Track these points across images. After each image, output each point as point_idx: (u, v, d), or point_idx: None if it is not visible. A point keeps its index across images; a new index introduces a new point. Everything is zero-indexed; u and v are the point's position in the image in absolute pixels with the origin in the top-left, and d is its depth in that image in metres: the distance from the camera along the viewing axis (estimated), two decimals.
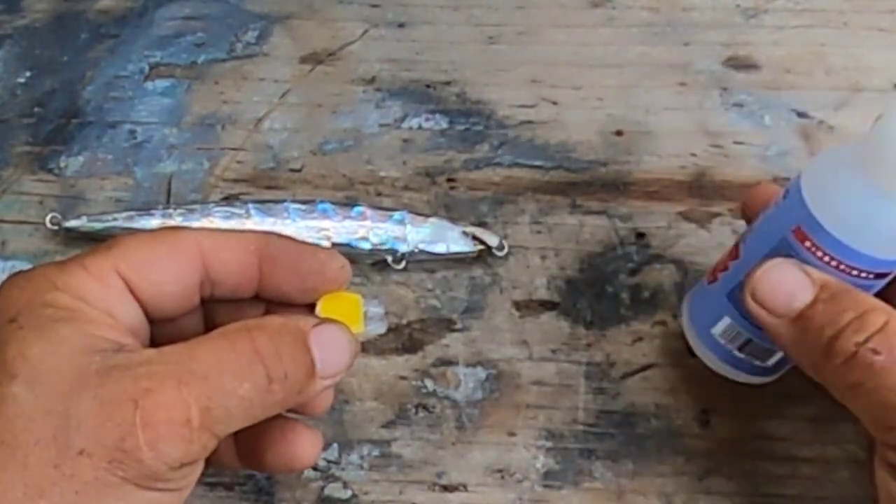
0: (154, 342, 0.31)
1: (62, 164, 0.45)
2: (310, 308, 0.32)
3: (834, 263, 0.32)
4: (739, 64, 0.48)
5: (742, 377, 0.36)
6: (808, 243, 0.32)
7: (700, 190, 0.44)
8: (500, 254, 0.41)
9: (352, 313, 0.32)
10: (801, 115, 0.46)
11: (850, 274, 0.32)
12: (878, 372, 0.28)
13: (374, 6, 0.50)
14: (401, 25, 0.49)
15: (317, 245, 0.33)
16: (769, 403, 0.38)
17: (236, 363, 0.28)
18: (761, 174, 0.44)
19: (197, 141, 0.46)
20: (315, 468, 0.38)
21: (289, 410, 0.32)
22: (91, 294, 0.29)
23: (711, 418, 0.38)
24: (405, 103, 0.47)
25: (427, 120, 0.46)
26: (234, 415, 0.28)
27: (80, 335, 0.28)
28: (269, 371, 0.28)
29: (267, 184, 0.44)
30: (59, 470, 0.26)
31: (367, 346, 0.40)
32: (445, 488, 0.37)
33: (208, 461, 0.34)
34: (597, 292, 0.41)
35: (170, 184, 0.44)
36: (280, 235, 0.32)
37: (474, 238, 0.41)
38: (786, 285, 0.31)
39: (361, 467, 0.38)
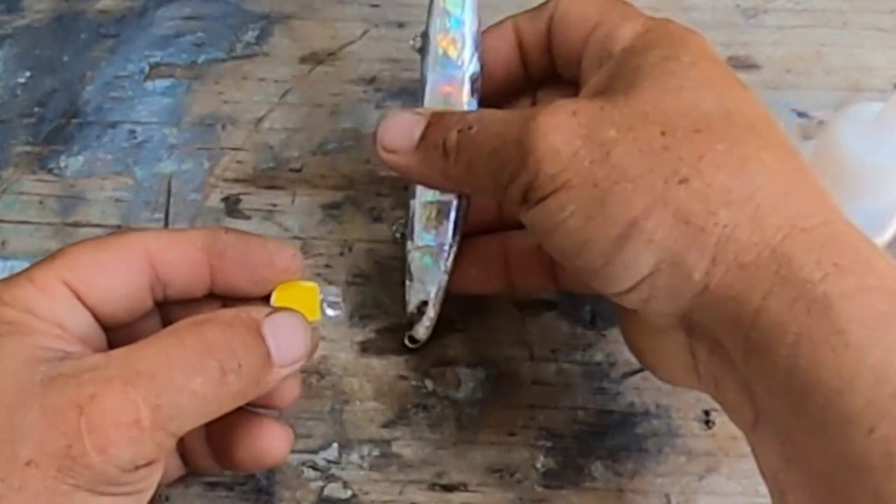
0: (112, 348, 0.31)
1: (62, 164, 0.45)
2: (265, 301, 0.32)
3: None
4: (739, 64, 0.48)
5: None
6: None
7: None
8: None
9: (308, 302, 0.32)
10: (801, 115, 0.46)
11: None
12: (475, 139, 0.31)
13: (374, 6, 0.50)
14: (401, 25, 0.49)
15: (265, 236, 0.33)
16: None
17: (186, 359, 0.27)
18: None
19: (197, 141, 0.46)
20: (315, 468, 0.38)
21: (255, 405, 0.32)
22: (38, 306, 0.29)
23: (712, 418, 0.38)
24: (405, 103, 0.47)
25: None
26: (188, 411, 0.27)
27: (25, 348, 0.27)
28: (222, 363, 0.28)
29: (267, 184, 0.44)
30: (6, 483, 0.25)
31: (368, 346, 0.40)
32: (445, 488, 0.37)
33: (186, 464, 0.34)
34: (597, 292, 0.41)
35: (170, 184, 0.44)
36: (228, 230, 0.32)
37: None
38: (401, 127, 0.33)
39: (361, 467, 0.38)
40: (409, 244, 0.37)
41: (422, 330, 0.38)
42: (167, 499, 0.37)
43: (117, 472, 0.26)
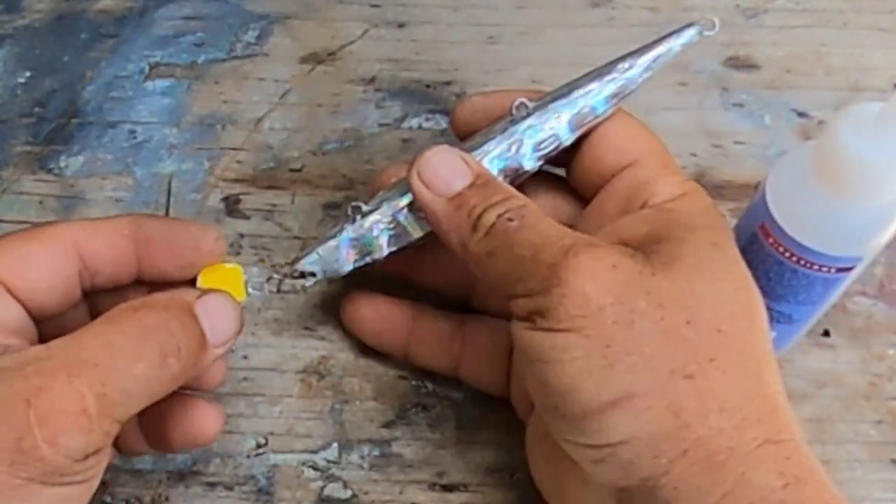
0: (42, 340, 0.31)
1: (62, 164, 0.45)
2: (192, 284, 0.32)
3: (794, 259, 0.33)
4: (739, 64, 0.48)
5: None
6: (770, 239, 0.33)
7: None
8: None
9: (233, 283, 0.33)
10: (801, 115, 0.46)
11: (811, 268, 0.33)
12: (510, 234, 0.30)
13: (374, 6, 0.50)
14: (401, 25, 0.49)
15: (189, 220, 0.33)
16: None
17: (126, 344, 0.28)
18: (761, 174, 0.44)
19: (197, 141, 0.46)
20: (315, 468, 0.38)
21: (185, 388, 0.32)
22: None
23: None
24: (405, 103, 0.47)
25: (427, 120, 0.46)
26: (132, 396, 0.28)
27: None
28: (162, 346, 0.28)
29: (267, 184, 0.44)
30: None
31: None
32: (445, 488, 0.37)
33: (119, 450, 0.34)
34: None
35: (170, 184, 0.44)
36: (151, 216, 0.33)
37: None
38: (447, 169, 0.32)
39: (361, 467, 0.38)
40: (349, 226, 0.35)
41: (286, 285, 0.37)
42: (167, 499, 0.37)
43: (68, 463, 0.26)
